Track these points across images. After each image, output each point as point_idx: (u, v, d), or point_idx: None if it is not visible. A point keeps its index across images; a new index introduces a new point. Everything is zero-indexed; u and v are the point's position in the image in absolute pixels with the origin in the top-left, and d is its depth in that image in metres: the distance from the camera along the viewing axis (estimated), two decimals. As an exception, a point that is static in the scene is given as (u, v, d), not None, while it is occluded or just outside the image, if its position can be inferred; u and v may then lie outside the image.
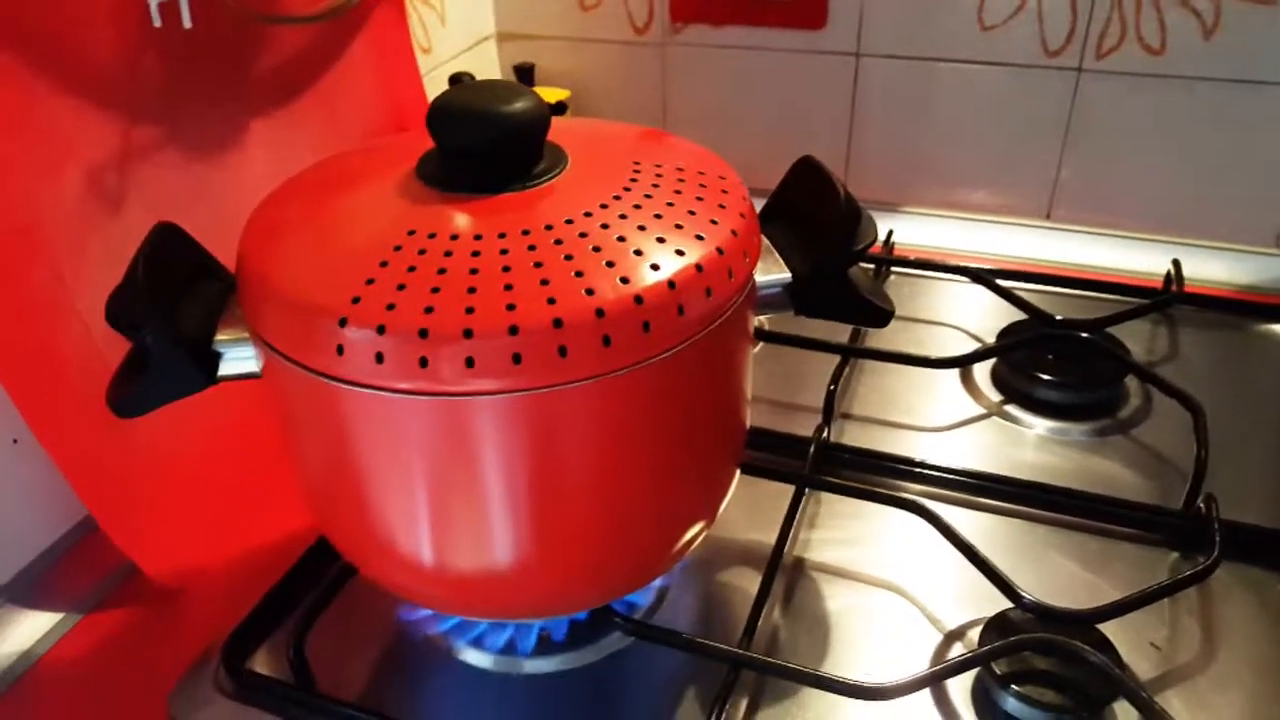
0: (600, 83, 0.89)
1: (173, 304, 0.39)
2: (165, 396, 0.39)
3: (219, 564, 0.53)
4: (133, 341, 0.40)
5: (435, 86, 0.77)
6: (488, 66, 0.90)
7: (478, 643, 0.47)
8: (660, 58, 0.87)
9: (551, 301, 0.34)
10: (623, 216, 0.37)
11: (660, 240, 0.36)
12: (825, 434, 0.57)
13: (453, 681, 0.46)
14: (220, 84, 0.56)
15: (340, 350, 0.34)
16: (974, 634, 0.47)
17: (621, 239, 0.36)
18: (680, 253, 0.36)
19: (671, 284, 0.35)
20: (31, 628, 0.50)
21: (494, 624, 0.47)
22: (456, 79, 0.71)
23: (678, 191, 0.39)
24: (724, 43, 0.84)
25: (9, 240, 0.45)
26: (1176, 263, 0.70)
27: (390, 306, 0.34)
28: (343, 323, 0.34)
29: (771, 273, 0.41)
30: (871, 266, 0.74)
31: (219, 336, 0.39)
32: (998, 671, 0.43)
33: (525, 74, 0.86)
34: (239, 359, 0.40)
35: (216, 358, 0.40)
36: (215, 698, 0.46)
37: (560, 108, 0.83)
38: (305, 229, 0.39)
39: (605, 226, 0.36)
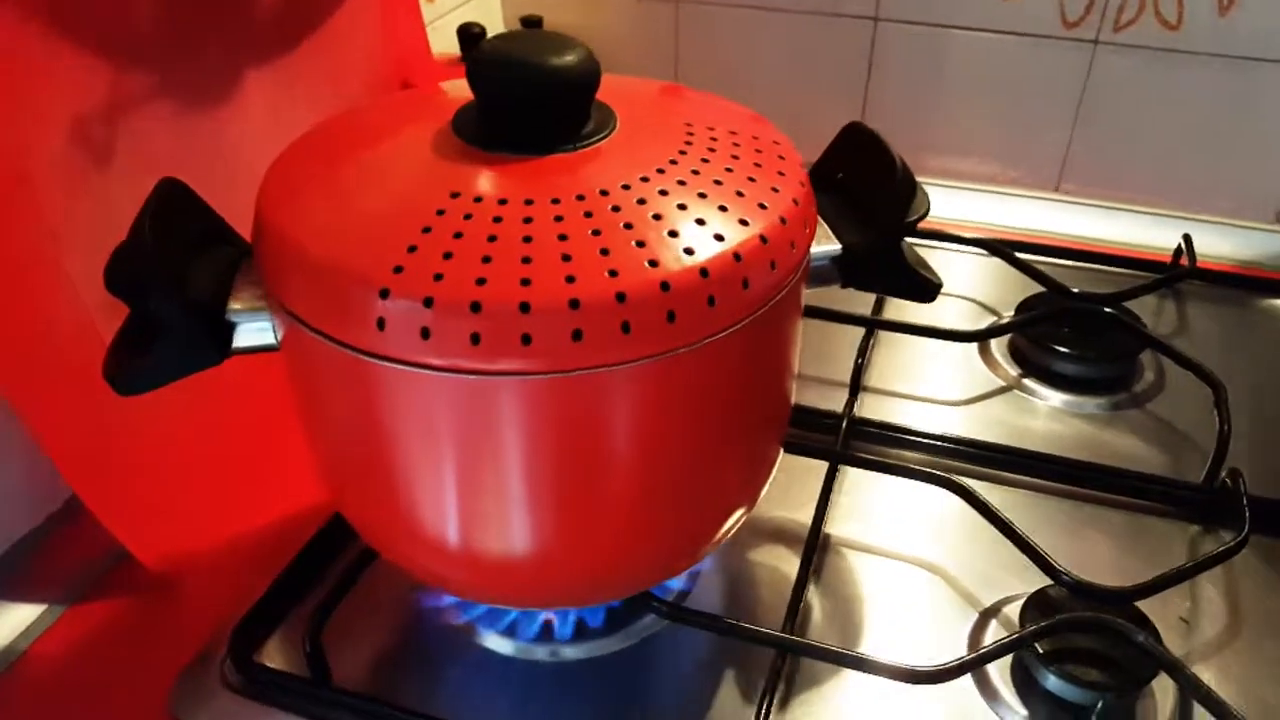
0: (609, 39, 0.85)
1: (182, 268, 0.36)
2: (174, 372, 0.36)
3: (216, 550, 0.50)
4: (135, 309, 0.37)
5: (438, 37, 0.73)
6: (492, 19, 0.86)
7: (509, 632, 0.44)
8: (673, 15, 0.84)
9: (613, 274, 0.31)
10: (681, 183, 0.34)
11: (722, 209, 0.34)
12: (853, 409, 0.56)
13: (479, 671, 0.44)
14: (215, 31, 0.51)
15: (381, 324, 0.31)
16: (1009, 610, 0.46)
17: (682, 206, 0.33)
18: (744, 223, 0.34)
19: (737, 256, 0.33)
20: (13, 621, 0.47)
21: (525, 612, 0.44)
22: (466, 30, 0.68)
23: (735, 157, 0.37)
24: (739, 1, 0.81)
25: (3, 190, 0.41)
26: (1187, 237, 0.70)
27: (438, 277, 0.31)
28: (384, 294, 0.31)
29: (822, 244, 0.39)
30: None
31: (232, 305, 0.36)
32: (1039, 650, 0.42)
33: (533, 24, 0.82)
34: (255, 330, 0.37)
35: (230, 329, 0.36)
36: (221, 693, 0.43)
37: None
38: (331, 186, 0.35)
39: (664, 193, 0.34)
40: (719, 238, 0.33)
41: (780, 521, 0.50)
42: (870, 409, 0.58)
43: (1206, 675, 0.43)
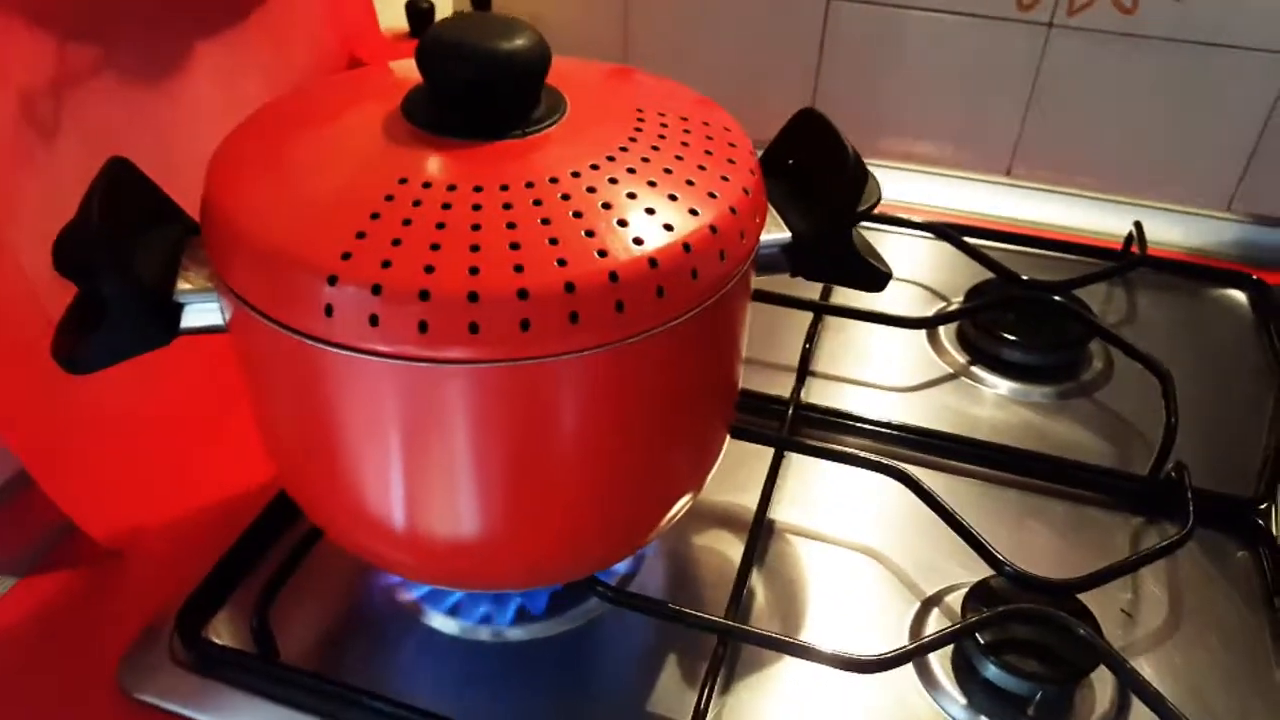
0: (559, 15, 0.84)
1: (130, 249, 0.36)
2: (123, 352, 0.35)
3: (163, 523, 0.50)
4: (83, 289, 0.36)
5: (386, 10, 0.72)
6: None
7: (452, 612, 0.45)
8: (624, -5, 0.83)
9: (562, 263, 0.31)
10: (631, 171, 0.34)
11: (672, 198, 0.34)
12: (800, 395, 0.56)
13: (423, 649, 0.44)
14: (161, 3, 0.51)
15: (329, 311, 0.31)
16: (951, 599, 0.47)
17: (632, 195, 0.33)
18: (694, 212, 0.34)
19: (686, 246, 0.33)
20: (-40, 592, 0.46)
21: (470, 594, 0.45)
22: (414, 6, 0.67)
23: (685, 144, 0.37)
24: (690, -19, 0.81)
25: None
26: (1138, 225, 0.70)
27: (386, 264, 0.31)
28: (332, 281, 0.31)
29: (771, 232, 0.39)
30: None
31: (180, 286, 0.36)
32: (980, 640, 0.43)
33: (482, 3, 0.81)
34: (202, 311, 0.36)
35: (178, 309, 0.36)
36: (168, 667, 0.43)
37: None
38: (280, 170, 0.35)
39: (613, 181, 0.34)
40: (668, 227, 0.33)
41: (726, 506, 0.51)
42: (818, 394, 0.59)
43: (1146, 667, 0.45)
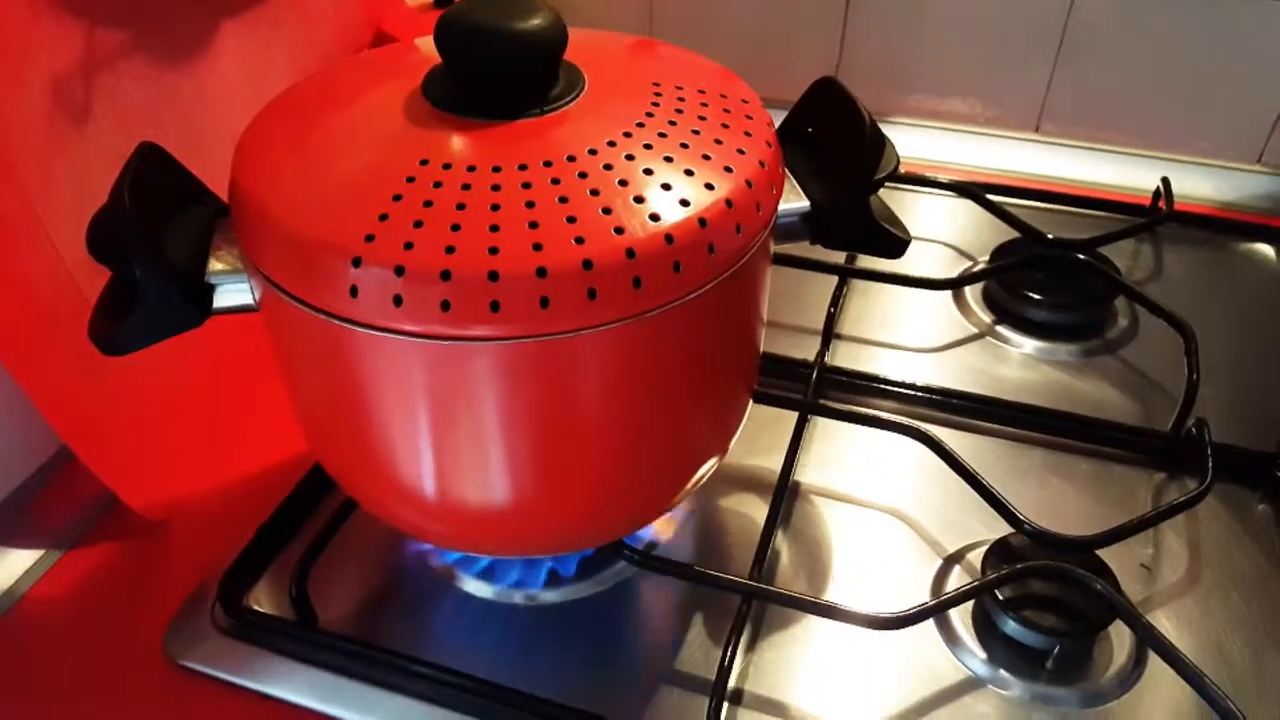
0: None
1: (162, 233, 0.37)
2: (157, 334, 0.37)
3: (204, 494, 0.51)
4: (117, 274, 0.37)
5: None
6: None
7: (485, 575, 0.46)
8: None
9: (579, 241, 0.32)
10: (647, 146, 0.35)
11: (688, 173, 0.34)
12: (824, 359, 0.57)
13: (457, 613, 0.46)
14: (186, -17, 0.51)
15: (354, 292, 0.32)
16: (972, 556, 0.47)
17: (648, 171, 0.34)
18: (710, 187, 0.34)
19: (702, 221, 0.33)
20: (12, 565, 0.48)
21: (501, 559, 0.46)
22: (434, -27, 0.67)
23: (702, 118, 0.37)
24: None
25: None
26: (1166, 180, 0.70)
27: (408, 245, 0.32)
28: (357, 263, 0.32)
29: (790, 201, 0.40)
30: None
31: (211, 267, 0.37)
32: (1000, 597, 0.44)
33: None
34: (233, 291, 0.37)
35: (210, 290, 0.37)
36: (212, 634, 0.45)
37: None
38: (305, 153, 0.36)
39: (630, 158, 0.34)
40: (684, 203, 0.33)
41: (751, 469, 0.52)
42: (844, 357, 0.59)
43: (1165, 621, 0.45)
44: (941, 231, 0.71)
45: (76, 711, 0.43)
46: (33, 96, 0.44)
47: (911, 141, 0.80)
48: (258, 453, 0.53)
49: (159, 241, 0.36)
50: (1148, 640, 0.42)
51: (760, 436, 0.52)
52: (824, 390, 0.56)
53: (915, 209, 0.73)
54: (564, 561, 0.46)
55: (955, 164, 0.77)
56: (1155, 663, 0.43)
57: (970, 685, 0.43)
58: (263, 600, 0.46)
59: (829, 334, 0.58)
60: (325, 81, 0.40)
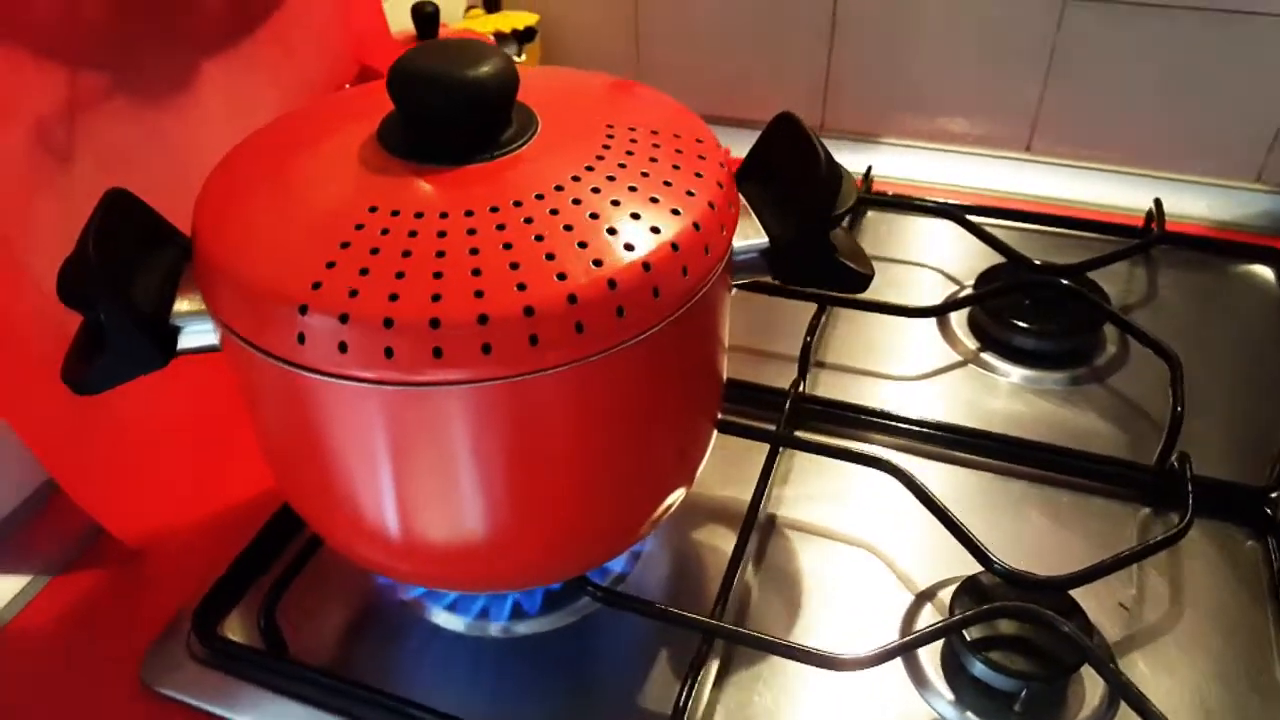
0: (571, 3, 0.85)
1: (127, 277, 0.37)
2: (123, 376, 0.37)
3: (186, 524, 0.52)
4: (86, 318, 0.38)
5: (396, 14, 0.73)
6: None
7: (451, 608, 0.47)
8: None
9: (521, 288, 0.32)
10: (595, 190, 0.35)
11: (635, 216, 0.35)
12: (800, 388, 0.57)
13: (425, 645, 0.46)
14: (169, 23, 0.52)
15: (301, 338, 0.33)
16: (945, 594, 0.47)
17: (594, 215, 0.34)
18: (655, 230, 0.34)
19: (646, 266, 0.34)
20: (-2, 593, 0.49)
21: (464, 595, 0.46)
22: (420, 10, 0.68)
23: (653, 159, 0.37)
24: (700, -40, 0.80)
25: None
26: (1158, 202, 0.69)
27: (353, 293, 0.32)
28: (303, 310, 0.32)
29: (749, 237, 0.40)
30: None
31: (177, 308, 0.38)
32: (968, 637, 0.43)
33: (492, 3, 0.82)
34: (198, 332, 0.38)
35: (175, 332, 0.38)
36: (187, 663, 0.46)
37: (529, 34, 0.80)
38: (260, 200, 0.37)
39: (577, 202, 0.35)
40: (629, 247, 0.34)
41: (725, 501, 0.52)
42: (826, 385, 0.59)
43: (1141, 665, 0.44)
44: (927, 255, 0.70)
45: (56, 737, 0.44)
46: (14, 139, 0.45)
47: (900, 162, 0.80)
48: (238, 484, 0.54)
49: (122, 287, 0.36)
50: (1114, 685, 0.41)
51: (737, 466, 0.52)
52: (801, 420, 0.56)
53: (902, 231, 0.72)
54: (529, 596, 0.46)
55: (945, 184, 0.77)
56: (1129, 708, 0.42)
57: (937, 726, 0.43)
58: (237, 630, 0.47)
59: (805, 363, 0.58)
60: (289, 125, 0.41)
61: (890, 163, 0.79)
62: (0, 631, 0.48)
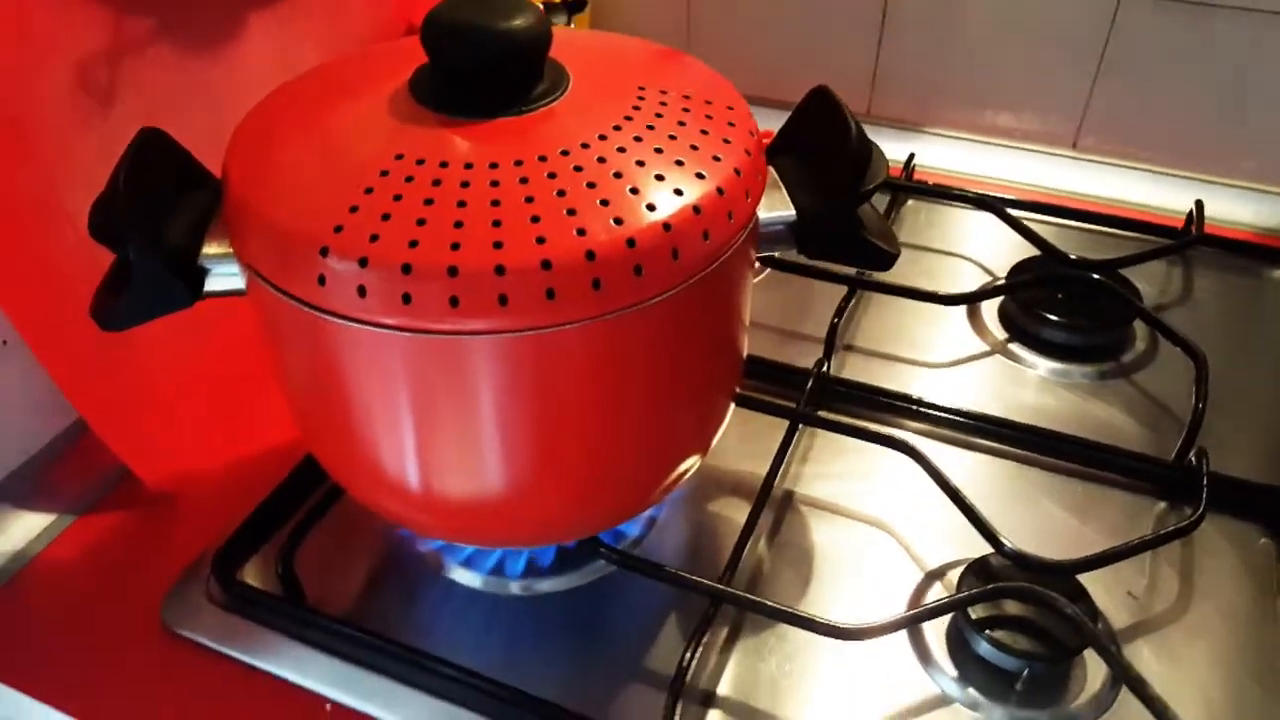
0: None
1: (157, 216, 0.38)
2: (148, 313, 0.38)
3: (213, 469, 0.53)
4: (116, 254, 0.39)
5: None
6: None
7: (467, 563, 0.47)
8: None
9: (540, 241, 0.32)
10: (621, 150, 0.35)
11: (659, 177, 0.35)
12: (824, 368, 0.57)
13: (441, 599, 0.47)
14: (216, -26, 0.53)
15: (322, 280, 0.33)
16: (954, 575, 0.47)
17: (618, 175, 0.34)
18: (679, 192, 0.35)
19: (667, 226, 0.34)
20: (25, 527, 0.50)
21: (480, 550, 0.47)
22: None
23: (681, 123, 0.37)
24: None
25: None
26: (1199, 204, 0.68)
27: (374, 238, 0.32)
28: (324, 252, 0.33)
29: (776, 209, 0.40)
30: (888, 194, 0.72)
31: (206, 251, 0.38)
32: (973, 616, 0.43)
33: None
34: (225, 275, 0.39)
35: (203, 273, 0.38)
36: (206, 606, 0.46)
37: (580, 4, 0.79)
38: (290, 146, 0.37)
39: (602, 160, 0.35)
40: (651, 207, 0.34)
41: (743, 475, 0.52)
42: (853, 368, 0.59)
43: (1146, 652, 0.44)
44: (963, 246, 0.70)
45: (77, 673, 0.45)
46: (58, 81, 0.46)
47: (946, 154, 0.79)
48: (265, 432, 0.55)
49: (152, 224, 0.37)
50: (1114, 668, 0.41)
51: (757, 441, 0.52)
52: (825, 400, 0.56)
53: (940, 222, 0.72)
54: (541, 552, 0.47)
55: (990, 178, 0.76)
56: (1129, 692, 0.42)
57: (939, 703, 0.43)
58: (257, 576, 0.48)
59: (831, 344, 0.58)
60: (324, 75, 0.41)
61: (934, 153, 0.78)
62: (26, 566, 0.49)
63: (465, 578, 0.47)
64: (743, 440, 0.50)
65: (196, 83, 0.52)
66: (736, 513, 0.50)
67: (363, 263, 0.32)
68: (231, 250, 0.38)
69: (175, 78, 0.51)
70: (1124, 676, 0.41)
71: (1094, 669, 0.43)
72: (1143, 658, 0.44)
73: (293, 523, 0.48)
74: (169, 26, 0.50)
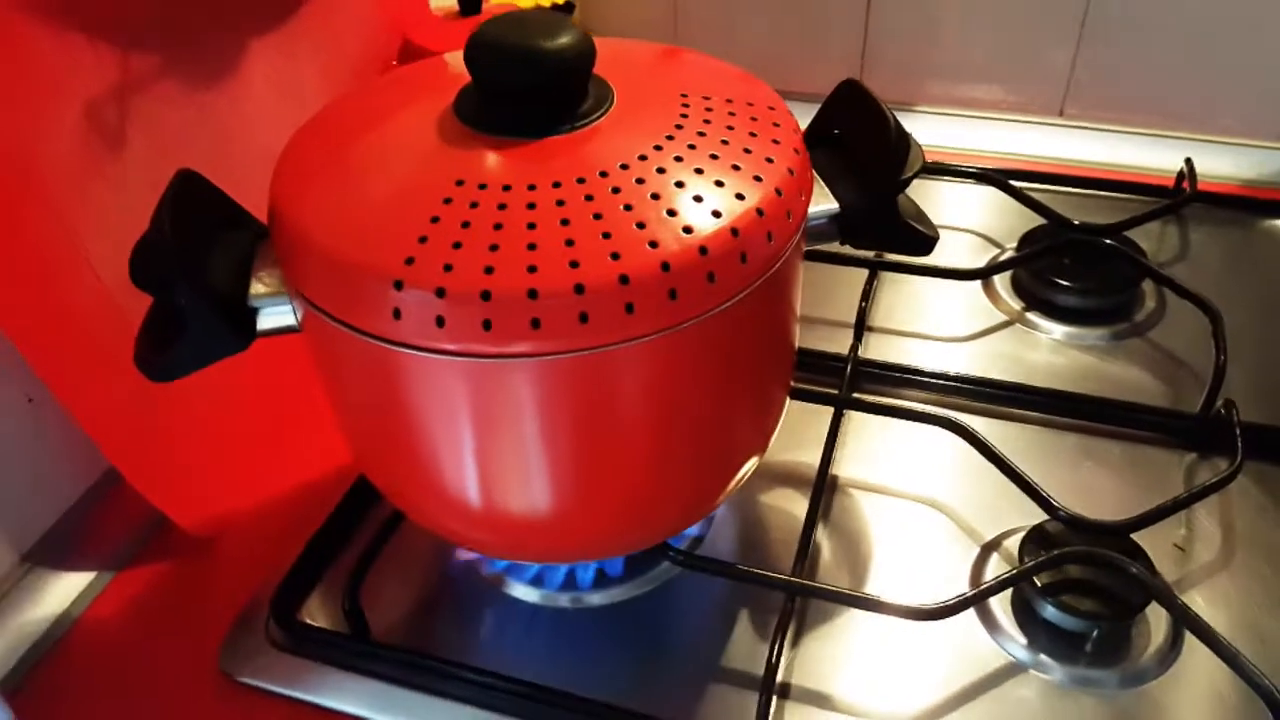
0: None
1: (203, 258, 0.37)
2: (203, 360, 0.37)
3: (251, 510, 0.52)
4: (159, 301, 0.38)
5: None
6: None
7: (535, 582, 0.47)
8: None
9: (616, 256, 0.32)
10: (678, 159, 0.35)
11: (719, 184, 0.35)
12: (858, 352, 0.57)
13: (507, 619, 0.47)
14: (214, 5, 0.52)
15: (397, 314, 0.33)
16: (1009, 543, 0.48)
17: (680, 184, 0.34)
18: (740, 197, 0.35)
19: (735, 231, 0.34)
20: (64, 589, 0.49)
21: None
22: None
23: (730, 128, 0.37)
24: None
25: (4, 183, 0.42)
26: (1189, 162, 0.70)
27: (448, 267, 0.32)
28: (398, 285, 0.32)
29: (819, 204, 0.40)
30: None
31: (253, 291, 0.38)
32: (1038, 583, 0.44)
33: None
34: (276, 314, 0.38)
35: (253, 314, 0.38)
36: (267, 649, 0.46)
37: (569, 7, 0.79)
38: (342, 175, 0.37)
39: (661, 171, 0.35)
40: (716, 214, 0.34)
41: (789, 465, 0.52)
42: (876, 349, 0.59)
43: (1200, 601, 0.46)
44: (968, 220, 0.71)
45: (137, 730, 0.44)
46: (67, 123, 0.44)
47: (936, 130, 0.80)
48: (305, 466, 0.54)
49: (201, 268, 0.37)
50: (1184, 621, 0.42)
51: (797, 431, 0.53)
52: (858, 383, 0.57)
53: (941, 198, 0.73)
54: (611, 562, 0.46)
55: (980, 151, 0.77)
56: (1192, 642, 0.43)
57: (1012, 670, 0.43)
58: (315, 614, 0.47)
59: (861, 327, 0.59)
60: (358, 101, 0.41)
61: (926, 131, 0.78)
62: (71, 629, 0.48)
63: (528, 594, 0.47)
64: (784, 430, 0.51)
65: (202, 116, 0.51)
66: (789, 503, 0.50)
67: (440, 293, 0.32)
68: (281, 288, 0.38)
69: (182, 112, 0.50)
70: (1193, 628, 0.42)
71: (1156, 624, 0.44)
72: (1198, 606, 0.45)
73: (351, 556, 0.48)
74: (173, 60, 0.49)
